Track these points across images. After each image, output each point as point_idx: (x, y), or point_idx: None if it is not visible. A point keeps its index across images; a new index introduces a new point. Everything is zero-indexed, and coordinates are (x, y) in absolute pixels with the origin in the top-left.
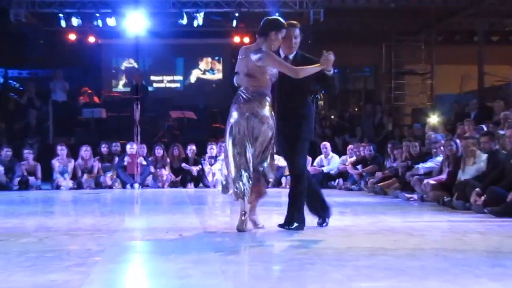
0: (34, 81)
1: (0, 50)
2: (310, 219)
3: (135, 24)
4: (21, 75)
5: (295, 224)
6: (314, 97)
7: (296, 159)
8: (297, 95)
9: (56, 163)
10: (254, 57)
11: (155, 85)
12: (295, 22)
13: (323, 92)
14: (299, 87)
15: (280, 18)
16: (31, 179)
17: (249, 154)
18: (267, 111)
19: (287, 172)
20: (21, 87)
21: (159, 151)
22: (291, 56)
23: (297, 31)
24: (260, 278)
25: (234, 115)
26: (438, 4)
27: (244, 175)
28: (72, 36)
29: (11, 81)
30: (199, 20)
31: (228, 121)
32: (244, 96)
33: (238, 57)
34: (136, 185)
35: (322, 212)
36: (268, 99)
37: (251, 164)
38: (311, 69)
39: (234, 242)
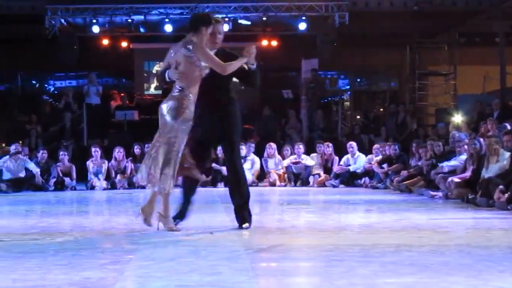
0: (69, 85)
1: (36, 55)
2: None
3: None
4: (56, 79)
5: (247, 224)
6: (339, 98)
7: (238, 162)
8: (223, 90)
9: (90, 164)
10: (185, 50)
11: None
12: (220, 18)
13: (242, 87)
14: (224, 83)
15: (209, 14)
16: (67, 180)
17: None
18: (186, 113)
19: (315, 171)
20: (56, 91)
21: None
22: (213, 52)
23: (221, 27)
24: (288, 274)
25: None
26: (460, 6)
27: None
28: (105, 41)
29: (46, 86)
30: (226, 24)
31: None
32: (173, 92)
33: (171, 53)
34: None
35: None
36: (191, 97)
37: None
38: (237, 63)
39: (263, 240)
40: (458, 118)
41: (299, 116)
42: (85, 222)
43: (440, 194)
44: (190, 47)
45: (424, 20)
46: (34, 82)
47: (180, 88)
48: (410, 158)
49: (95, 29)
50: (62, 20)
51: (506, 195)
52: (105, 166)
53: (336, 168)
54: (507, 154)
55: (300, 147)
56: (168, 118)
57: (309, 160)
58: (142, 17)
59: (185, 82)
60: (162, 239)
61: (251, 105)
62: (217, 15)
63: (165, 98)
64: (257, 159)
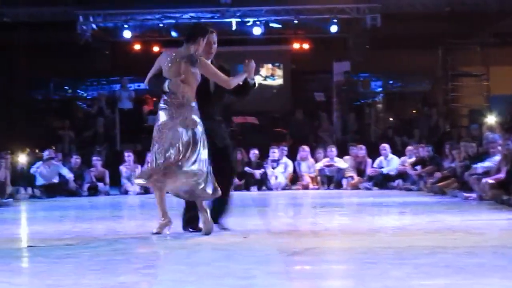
0: (102, 91)
1: (68, 61)
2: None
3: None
4: (88, 85)
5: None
6: (372, 100)
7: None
8: (215, 101)
9: (123, 169)
10: (190, 64)
11: None
12: (212, 29)
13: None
14: (218, 94)
15: (206, 24)
16: (100, 185)
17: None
18: (196, 117)
19: (348, 174)
20: (88, 96)
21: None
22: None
23: (215, 37)
24: (322, 277)
25: (162, 118)
26: (492, 7)
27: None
28: (136, 46)
29: (79, 91)
30: (259, 28)
31: (156, 124)
32: (176, 102)
33: (166, 62)
34: None
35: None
36: (195, 105)
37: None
38: (239, 78)
39: (297, 243)
40: (491, 119)
41: (331, 119)
42: (118, 227)
43: (474, 195)
44: (196, 62)
45: (456, 21)
46: (66, 87)
47: (183, 97)
48: (444, 159)
49: (127, 34)
50: (94, 26)
51: None
52: (138, 170)
53: (369, 171)
54: None
55: (333, 150)
56: (190, 131)
57: (342, 163)
58: (173, 21)
59: (189, 92)
60: (196, 243)
61: (284, 109)
62: (248, 18)
63: None
64: (290, 162)
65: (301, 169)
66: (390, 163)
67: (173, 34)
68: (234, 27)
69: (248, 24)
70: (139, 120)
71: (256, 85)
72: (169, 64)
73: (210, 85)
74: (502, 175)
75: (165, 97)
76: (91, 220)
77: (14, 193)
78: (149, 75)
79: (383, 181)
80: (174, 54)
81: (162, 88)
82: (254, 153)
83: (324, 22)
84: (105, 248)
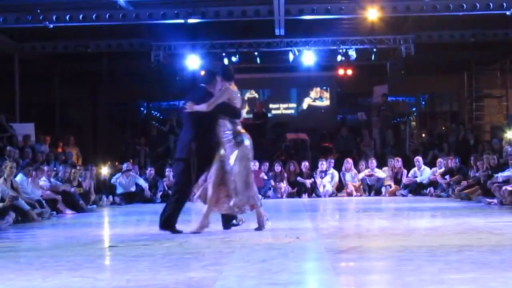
0: (174, 111)
1: (143, 86)
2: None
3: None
4: (161, 106)
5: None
6: (407, 119)
7: None
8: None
9: None
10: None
11: (273, 111)
12: None
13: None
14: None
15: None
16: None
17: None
18: None
19: (386, 183)
20: (162, 116)
21: (278, 167)
22: None
23: None
24: (365, 272)
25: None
26: (511, 37)
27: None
28: (202, 73)
29: (153, 112)
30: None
31: (246, 148)
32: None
33: (235, 96)
34: (260, 196)
35: None
36: None
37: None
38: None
39: (342, 243)
40: (510, 135)
41: (372, 135)
42: (187, 229)
43: (495, 201)
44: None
45: (479, 49)
46: (142, 109)
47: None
48: (469, 170)
49: (190, 62)
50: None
51: None
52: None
53: (405, 180)
54: None
55: (373, 162)
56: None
57: (381, 173)
58: (234, 49)
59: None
60: (255, 243)
61: (331, 126)
62: (299, 47)
63: (254, 122)
64: (336, 173)
65: (345, 178)
66: (423, 173)
67: (234, 61)
68: (291, 59)
69: (299, 53)
70: None
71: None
72: (238, 99)
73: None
74: None
75: (238, 124)
76: None
77: (98, 200)
78: (216, 102)
79: (417, 189)
80: (237, 91)
81: (239, 115)
82: (305, 165)
83: (369, 51)
84: (176, 248)
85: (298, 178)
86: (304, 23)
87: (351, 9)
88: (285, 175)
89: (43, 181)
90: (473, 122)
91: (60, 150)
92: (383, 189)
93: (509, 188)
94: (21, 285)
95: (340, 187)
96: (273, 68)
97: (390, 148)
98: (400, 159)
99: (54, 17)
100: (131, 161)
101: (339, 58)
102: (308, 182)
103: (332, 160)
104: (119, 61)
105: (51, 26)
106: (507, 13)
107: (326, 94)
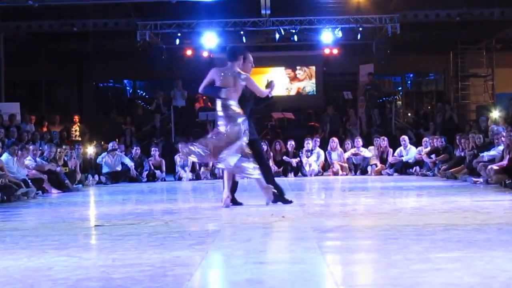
0: (159, 91)
1: (129, 65)
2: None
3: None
4: (146, 85)
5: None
6: (393, 98)
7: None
8: (249, 104)
9: (177, 159)
10: (239, 78)
11: None
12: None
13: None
14: (250, 100)
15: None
16: (157, 172)
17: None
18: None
19: (372, 162)
20: (147, 95)
21: (263, 147)
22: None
23: (251, 57)
24: (351, 251)
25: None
26: (496, 16)
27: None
28: (188, 52)
29: (139, 91)
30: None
31: (233, 125)
32: (233, 108)
33: (219, 76)
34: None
35: None
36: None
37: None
38: (265, 92)
39: (328, 222)
40: (496, 114)
41: (358, 114)
42: (174, 209)
43: (481, 180)
44: (243, 77)
45: (465, 29)
46: (128, 88)
47: (233, 104)
48: (455, 149)
49: (178, 41)
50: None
51: None
52: (190, 160)
53: (390, 159)
54: None
55: (359, 141)
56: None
57: (367, 152)
58: (221, 29)
59: (235, 99)
60: (242, 222)
61: (317, 106)
62: (285, 27)
63: None
64: (322, 152)
65: (331, 158)
66: (408, 152)
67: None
68: (277, 37)
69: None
70: (191, 116)
71: (273, 98)
72: (221, 78)
73: (247, 93)
74: (505, 162)
75: (221, 101)
76: (150, 203)
77: (83, 179)
78: (203, 84)
79: (402, 168)
80: (225, 70)
81: (218, 94)
82: (291, 144)
83: (355, 31)
84: (162, 227)
85: (284, 157)
86: (290, 2)
87: None
88: (271, 154)
89: (28, 161)
90: (459, 101)
91: (45, 129)
92: (369, 168)
93: (494, 167)
94: (7, 264)
95: (326, 166)
96: (258, 48)
97: (376, 128)
98: (386, 138)
99: None
100: (117, 140)
101: (325, 37)
102: (294, 161)
103: (318, 139)
104: (104, 40)
105: (36, 4)
106: None
107: (313, 73)
